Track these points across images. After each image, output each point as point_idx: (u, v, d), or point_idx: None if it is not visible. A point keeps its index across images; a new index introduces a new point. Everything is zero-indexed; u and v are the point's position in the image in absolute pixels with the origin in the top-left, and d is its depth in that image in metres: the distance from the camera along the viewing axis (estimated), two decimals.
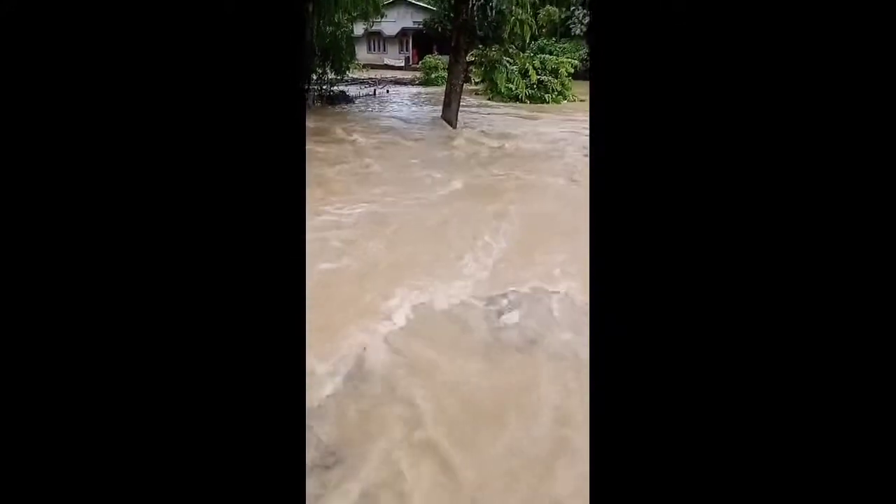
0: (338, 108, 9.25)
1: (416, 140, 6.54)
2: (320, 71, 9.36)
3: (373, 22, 9.61)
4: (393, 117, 8.71)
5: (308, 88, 9.10)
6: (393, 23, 18.69)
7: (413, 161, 5.30)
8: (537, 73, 10.94)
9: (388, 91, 12.75)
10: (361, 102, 10.41)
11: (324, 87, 9.67)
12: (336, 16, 8.34)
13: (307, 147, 5.92)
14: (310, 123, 7.04)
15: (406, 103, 10.71)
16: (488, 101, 10.78)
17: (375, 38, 19.87)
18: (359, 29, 13.20)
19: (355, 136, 6.43)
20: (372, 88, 12.59)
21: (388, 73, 16.95)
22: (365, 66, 15.82)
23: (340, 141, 6.13)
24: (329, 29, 8.49)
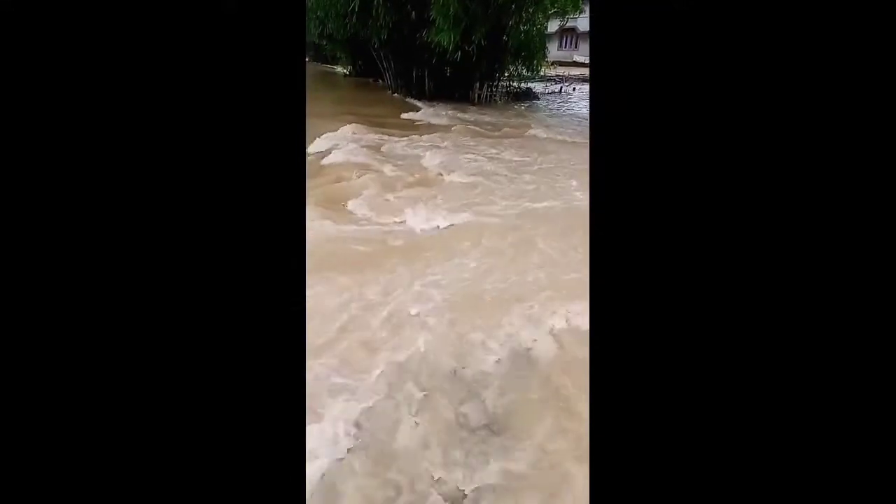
0: (521, 105, 9.53)
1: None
2: (511, 68, 9.69)
3: (568, 18, 9.51)
4: (571, 115, 8.56)
5: (496, 85, 9.61)
6: (587, 18, 18.02)
7: (566, 159, 5.02)
8: None
9: (574, 89, 12.51)
10: (546, 99, 10.50)
11: (511, 83, 10.04)
12: (537, 14, 8.50)
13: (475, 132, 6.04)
14: (487, 118, 7.46)
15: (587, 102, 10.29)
16: None
17: (569, 35, 19.50)
18: (553, 25, 13.16)
19: (537, 130, 6.56)
20: (558, 86, 12.55)
21: (577, 71, 16.50)
22: (554, 63, 15.73)
23: (508, 136, 6.24)
24: (524, 28, 8.72)
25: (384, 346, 1.70)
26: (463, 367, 1.62)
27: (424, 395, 1.48)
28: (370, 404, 1.43)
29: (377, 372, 1.56)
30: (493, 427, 1.39)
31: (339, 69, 14.54)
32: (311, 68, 16.19)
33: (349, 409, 1.40)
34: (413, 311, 1.94)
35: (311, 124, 5.76)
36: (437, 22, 7.27)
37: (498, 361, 1.66)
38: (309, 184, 3.60)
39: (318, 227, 2.73)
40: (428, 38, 7.60)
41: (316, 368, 1.55)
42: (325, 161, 4.34)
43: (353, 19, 8.05)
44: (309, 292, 1.96)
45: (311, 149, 4.74)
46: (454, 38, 7.29)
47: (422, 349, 1.69)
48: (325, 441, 1.29)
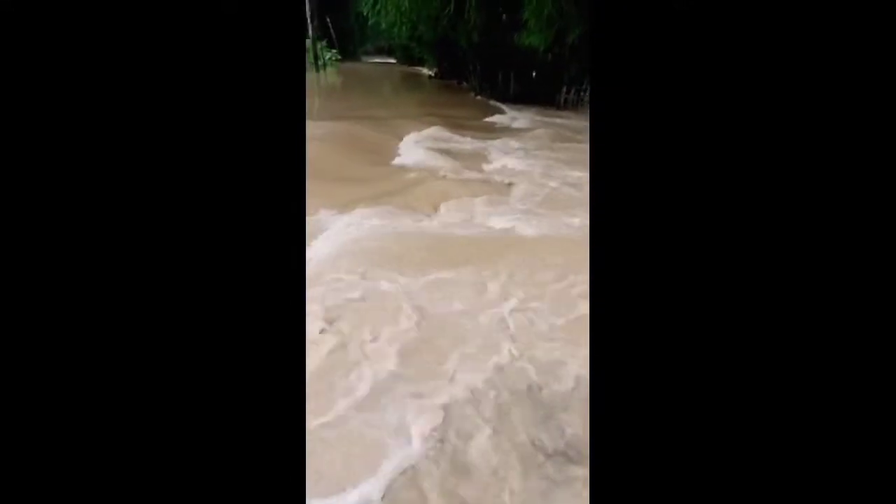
0: None
1: None
2: None
3: None
4: None
5: (584, 89, 9.19)
6: None
7: None
8: None
9: None
10: None
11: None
12: None
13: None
14: (572, 122, 7.13)
15: None
16: None
17: None
18: None
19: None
20: None
21: None
22: None
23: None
24: None
25: None
26: None
27: None
28: None
29: None
30: None
31: (425, 71, 14.85)
32: (397, 69, 16.72)
33: None
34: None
35: (395, 125, 5.90)
36: (529, 23, 7.10)
37: None
38: (395, 184, 3.64)
39: (426, 225, 2.72)
40: (519, 41, 7.45)
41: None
42: (409, 162, 4.38)
43: (445, 22, 8.13)
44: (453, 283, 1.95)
45: (396, 150, 4.81)
46: (547, 40, 7.08)
47: None
48: None
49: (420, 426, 1.34)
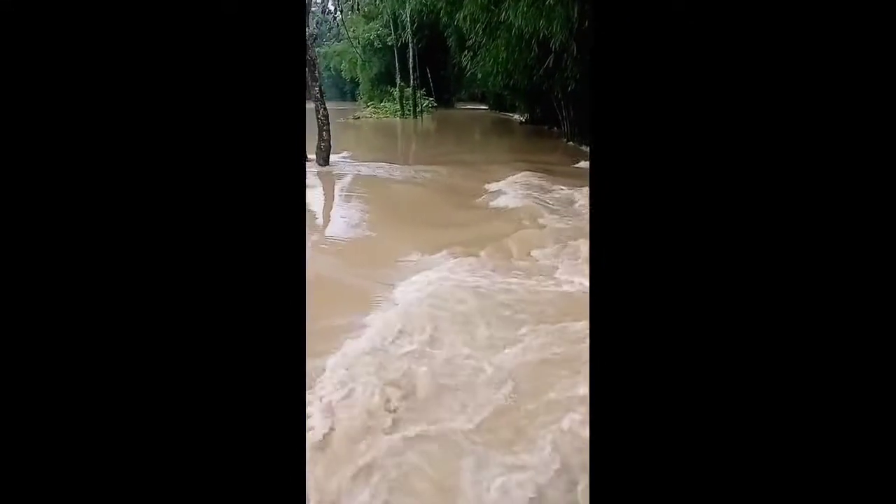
0: None
1: None
2: None
3: None
4: None
5: None
6: None
7: None
8: None
9: None
10: None
11: None
12: None
13: None
14: None
15: None
16: None
17: None
18: None
19: None
20: None
21: None
22: None
23: None
24: None
25: None
26: None
27: None
28: None
29: None
30: None
31: (515, 116, 15.20)
32: (489, 116, 17.34)
33: None
34: None
35: (487, 170, 6.03)
36: None
37: None
38: (485, 230, 3.65)
39: (532, 284, 2.66)
40: None
41: None
42: (499, 207, 4.40)
43: (541, 72, 8.31)
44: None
45: (487, 196, 4.88)
46: None
47: None
48: None
49: None
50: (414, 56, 16.39)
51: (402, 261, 3.00)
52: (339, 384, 1.70)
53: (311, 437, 1.44)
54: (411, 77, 16.63)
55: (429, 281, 2.64)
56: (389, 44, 17.86)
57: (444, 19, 11.28)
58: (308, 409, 1.55)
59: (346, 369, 1.79)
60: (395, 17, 17.06)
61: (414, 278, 2.69)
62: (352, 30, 19.50)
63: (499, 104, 17.00)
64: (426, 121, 16.39)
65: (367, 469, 1.33)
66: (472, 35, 9.38)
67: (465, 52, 9.87)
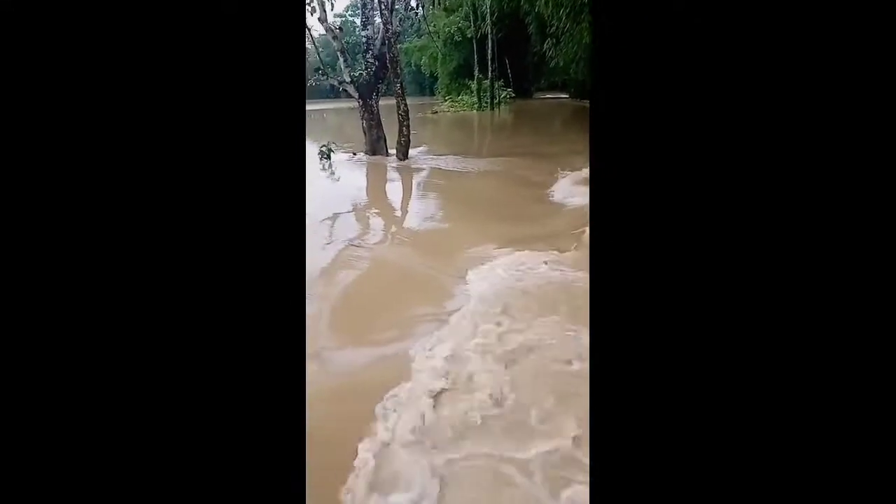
0: None
1: None
2: None
3: None
4: None
5: None
6: None
7: None
8: None
9: None
10: None
11: None
12: None
13: None
14: None
15: None
16: None
17: None
18: None
19: None
20: None
21: None
22: None
23: None
24: None
25: None
26: None
27: None
28: None
29: None
30: None
31: None
32: (569, 105, 16.66)
33: None
34: None
35: (562, 162, 5.86)
36: None
37: None
38: (555, 225, 3.60)
39: (582, 275, 2.66)
40: None
41: None
42: (572, 203, 4.28)
43: None
44: None
45: (560, 189, 4.77)
46: None
47: None
48: None
49: None
50: (493, 47, 16.28)
51: (473, 253, 3.09)
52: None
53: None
54: (489, 69, 16.54)
55: (499, 273, 2.70)
56: (469, 36, 17.93)
57: (525, 6, 11.03)
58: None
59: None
60: (475, 9, 17.04)
61: (484, 268, 2.77)
62: (433, 24, 19.84)
63: (581, 92, 16.29)
64: (504, 112, 16.22)
65: None
66: (554, 21, 9.08)
67: (547, 39, 9.60)
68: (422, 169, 6.55)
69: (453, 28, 18.89)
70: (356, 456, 1.40)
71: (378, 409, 1.60)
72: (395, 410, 1.60)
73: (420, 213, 4.46)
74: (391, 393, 1.68)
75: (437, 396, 1.66)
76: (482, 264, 2.84)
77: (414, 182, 5.93)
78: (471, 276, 2.69)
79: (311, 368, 1.85)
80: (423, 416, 1.56)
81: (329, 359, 1.97)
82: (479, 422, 1.53)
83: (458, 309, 2.31)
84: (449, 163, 6.81)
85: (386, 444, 1.44)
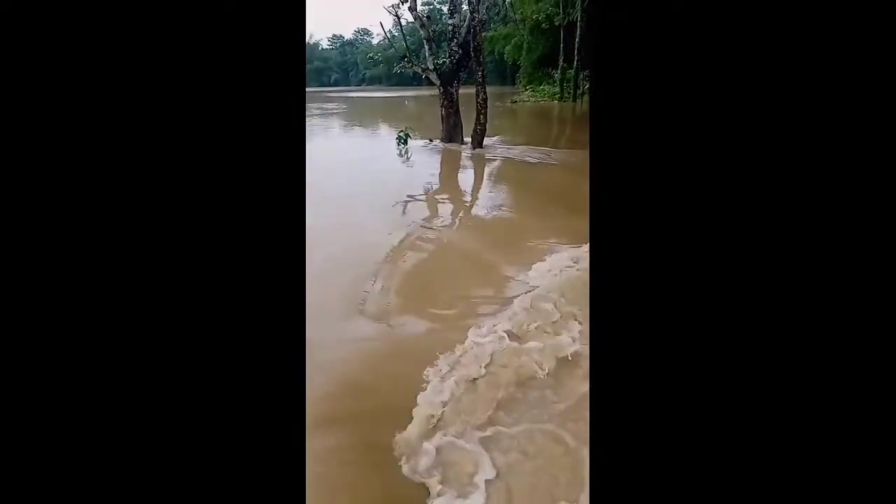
0: None
1: None
2: None
3: None
4: None
5: None
6: None
7: None
8: None
9: None
10: None
11: None
12: None
13: None
14: None
15: None
16: None
17: None
18: None
19: None
20: None
21: None
22: None
23: None
24: None
25: None
26: None
27: None
28: None
29: None
30: None
31: None
32: None
33: None
34: None
35: None
36: None
37: None
38: None
39: None
40: None
41: None
42: None
43: None
44: None
45: None
46: None
47: None
48: None
49: None
50: (581, 35, 15.61)
51: (538, 244, 3.11)
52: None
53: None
54: (575, 58, 15.91)
55: (560, 266, 2.71)
56: (556, 23, 17.32)
57: None
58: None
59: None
60: None
61: (546, 261, 2.79)
62: (520, 12, 19.43)
63: None
64: (586, 103, 15.56)
65: None
66: None
67: None
68: (494, 158, 6.58)
69: (542, 15, 18.35)
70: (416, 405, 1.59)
71: (430, 371, 1.76)
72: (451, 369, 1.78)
73: (489, 201, 4.53)
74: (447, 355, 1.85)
75: (488, 365, 1.79)
76: (547, 256, 2.86)
77: (486, 171, 5.99)
78: (533, 267, 2.73)
79: (379, 330, 2.07)
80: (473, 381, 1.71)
81: (394, 324, 2.15)
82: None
83: (518, 296, 2.38)
84: (523, 153, 6.76)
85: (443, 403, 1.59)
